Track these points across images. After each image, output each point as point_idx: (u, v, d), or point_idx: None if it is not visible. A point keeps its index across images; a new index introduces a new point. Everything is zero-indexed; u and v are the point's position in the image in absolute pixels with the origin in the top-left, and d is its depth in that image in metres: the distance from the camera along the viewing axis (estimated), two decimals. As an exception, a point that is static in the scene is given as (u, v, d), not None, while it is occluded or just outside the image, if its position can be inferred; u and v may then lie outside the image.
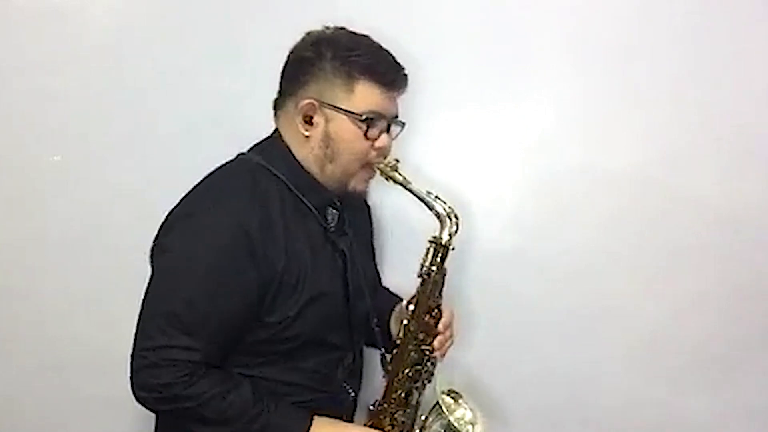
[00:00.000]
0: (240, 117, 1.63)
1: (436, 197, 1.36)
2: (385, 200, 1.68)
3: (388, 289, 1.66)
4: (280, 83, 1.39)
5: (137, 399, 1.28)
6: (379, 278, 1.67)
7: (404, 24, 1.69)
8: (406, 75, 1.37)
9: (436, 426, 1.44)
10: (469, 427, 1.43)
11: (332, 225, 1.41)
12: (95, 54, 1.72)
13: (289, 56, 1.38)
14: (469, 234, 1.66)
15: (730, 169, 1.64)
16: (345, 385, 1.44)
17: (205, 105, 1.70)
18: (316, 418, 1.31)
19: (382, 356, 1.45)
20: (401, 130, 1.42)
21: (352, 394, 1.46)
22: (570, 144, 1.67)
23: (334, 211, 1.41)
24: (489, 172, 1.71)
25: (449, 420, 1.41)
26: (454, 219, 1.36)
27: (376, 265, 1.66)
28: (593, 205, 1.67)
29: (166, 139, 1.71)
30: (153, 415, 1.79)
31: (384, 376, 1.42)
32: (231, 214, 1.26)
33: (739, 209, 1.64)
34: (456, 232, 1.37)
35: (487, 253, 1.69)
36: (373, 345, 1.50)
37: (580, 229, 1.68)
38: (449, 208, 1.36)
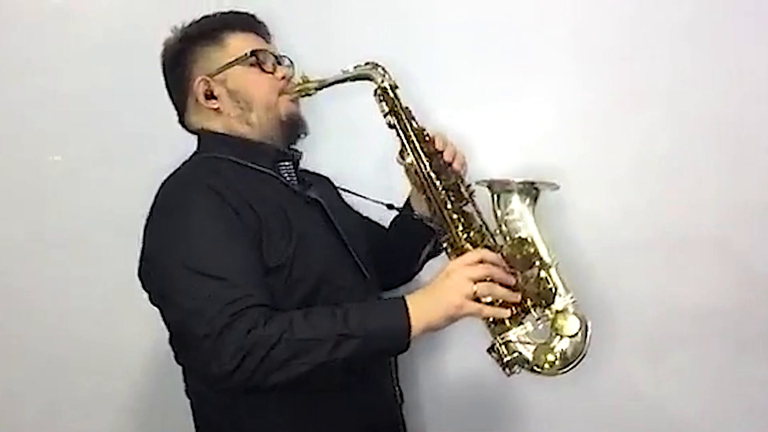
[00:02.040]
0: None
1: (354, 67, 1.40)
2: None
3: None
4: (172, 100, 1.46)
5: (228, 378, 1.14)
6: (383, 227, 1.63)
7: (405, 23, 1.69)
8: (261, 22, 1.46)
9: (510, 207, 1.35)
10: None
11: (291, 180, 1.42)
12: (95, 54, 1.73)
13: (164, 69, 1.45)
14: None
15: (730, 169, 1.64)
16: None
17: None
18: (405, 296, 1.23)
19: (419, 218, 1.43)
20: (293, 69, 1.47)
21: None
22: (570, 143, 1.67)
23: (287, 163, 1.42)
24: (488, 171, 1.70)
25: (517, 183, 1.34)
26: (379, 67, 1.40)
27: (368, 218, 1.63)
28: (593, 205, 1.67)
29: (166, 138, 1.70)
30: (153, 415, 1.80)
31: (431, 220, 1.38)
32: (197, 186, 1.28)
33: (739, 209, 1.63)
34: (387, 72, 1.40)
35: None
36: (389, 287, 1.51)
37: (580, 228, 1.68)
38: (366, 63, 1.40)
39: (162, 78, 1.46)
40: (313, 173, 1.58)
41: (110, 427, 1.82)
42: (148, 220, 1.32)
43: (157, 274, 1.29)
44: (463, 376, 1.73)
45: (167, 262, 1.25)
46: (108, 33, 1.73)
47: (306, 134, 1.47)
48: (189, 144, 1.43)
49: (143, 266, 1.32)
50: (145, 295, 1.33)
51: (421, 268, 1.59)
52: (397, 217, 1.56)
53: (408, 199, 1.53)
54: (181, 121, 1.47)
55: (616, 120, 1.65)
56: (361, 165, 1.69)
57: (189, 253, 1.22)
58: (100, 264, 1.75)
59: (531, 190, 1.36)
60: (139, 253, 1.33)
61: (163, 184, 1.34)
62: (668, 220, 1.65)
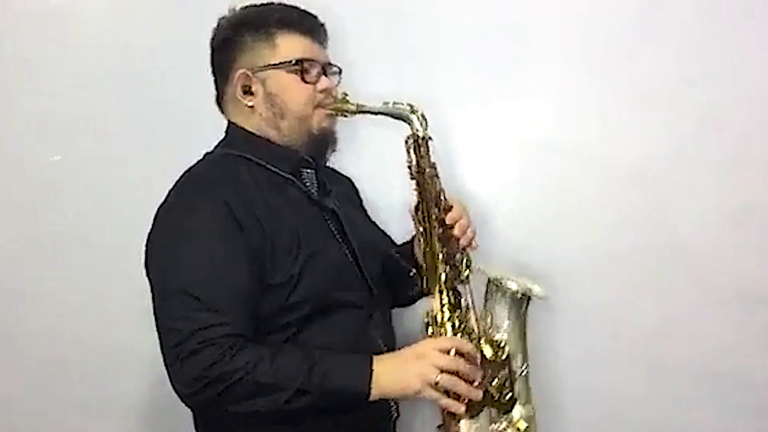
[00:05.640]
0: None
1: (393, 103, 1.36)
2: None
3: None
4: (214, 80, 1.43)
5: (186, 399, 1.22)
6: (393, 242, 1.62)
7: (405, 22, 1.70)
8: (322, 23, 1.41)
9: (499, 306, 1.35)
10: (529, 288, 1.35)
11: (312, 188, 1.41)
12: (95, 54, 1.73)
13: (212, 50, 1.43)
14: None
15: (731, 169, 1.64)
16: (381, 343, 1.38)
17: (205, 105, 1.69)
18: (374, 356, 1.25)
19: (414, 275, 1.40)
20: (340, 77, 1.44)
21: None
22: (571, 143, 1.67)
23: (310, 171, 1.42)
24: (490, 171, 1.71)
25: (511, 290, 1.34)
26: (419, 111, 1.35)
27: (383, 231, 1.62)
28: (594, 205, 1.68)
29: (166, 138, 1.71)
30: (153, 416, 1.80)
31: (423, 292, 1.37)
32: (208, 193, 1.28)
33: (740, 209, 1.64)
34: (426, 121, 1.35)
35: (488, 252, 1.69)
36: (398, 305, 1.50)
37: (581, 228, 1.68)
38: (408, 104, 1.36)
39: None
40: (338, 173, 1.57)
41: (110, 429, 1.82)
42: (158, 209, 1.32)
43: (149, 274, 1.30)
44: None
45: (157, 269, 1.28)
46: (107, 33, 1.73)
47: (335, 150, 1.45)
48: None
49: (145, 258, 1.32)
50: (146, 296, 1.33)
51: (411, 303, 1.56)
52: (397, 252, 1.53)
53: (413, 240, 1.49)
54: (218, 104, 1.45)
55: (617, 120, 1.65)
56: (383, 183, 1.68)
57: (179, 268, 1.24)
58: (100, 264, 1.75)
59: (523, 301, 1.37)
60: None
61: (180, 178, 1.34)
62: (668, 219, 1.66)
